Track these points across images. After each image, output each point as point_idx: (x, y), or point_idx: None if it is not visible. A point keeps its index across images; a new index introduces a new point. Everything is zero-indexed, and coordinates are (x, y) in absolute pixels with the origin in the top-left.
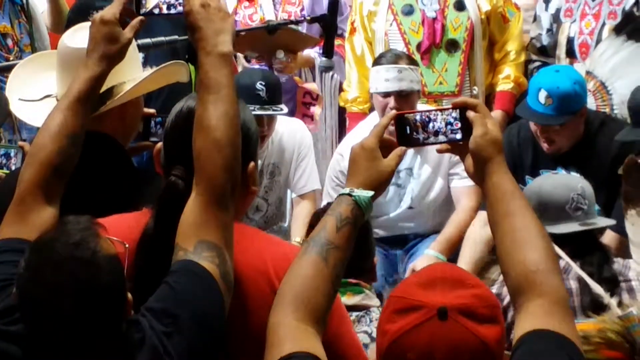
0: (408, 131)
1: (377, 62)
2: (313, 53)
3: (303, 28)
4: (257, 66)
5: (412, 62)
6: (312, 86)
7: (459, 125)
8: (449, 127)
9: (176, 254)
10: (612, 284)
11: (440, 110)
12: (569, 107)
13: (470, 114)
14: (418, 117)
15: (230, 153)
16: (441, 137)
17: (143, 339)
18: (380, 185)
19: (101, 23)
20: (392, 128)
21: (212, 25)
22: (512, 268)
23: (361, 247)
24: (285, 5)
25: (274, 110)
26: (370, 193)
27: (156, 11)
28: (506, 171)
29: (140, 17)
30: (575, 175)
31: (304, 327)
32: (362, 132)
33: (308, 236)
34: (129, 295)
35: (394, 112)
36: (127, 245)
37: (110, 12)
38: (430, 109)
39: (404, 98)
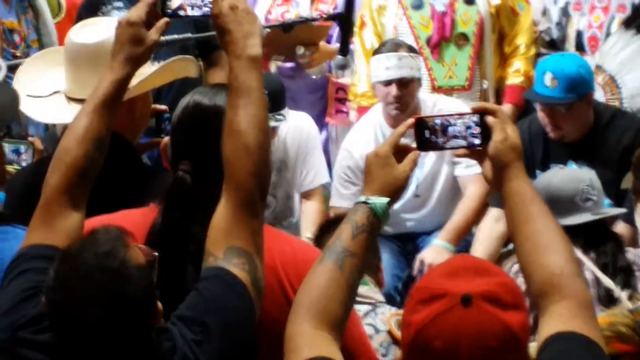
0: (427, 135)
1: (377, 51)
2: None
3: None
4: (289, 65)
5: (411, 50)
6: (346, 81)
7: (478, 130)
8: (468, 131)
9: (206, 260)
10: (628, 273)
11: (460, 114)
12: (574, 89)
13: (490, 119)
14: (438, 121)
15: (260, 158)
16: (460, 141)
17: (174, 348)
18: (396, 191)
19: (127, 25)
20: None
21: (241, 28)
22: (535, 271)
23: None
24: (318, 4)
25: (277, 119)
26: (386, 200)
27: (181, 13)
28: (525, 177)
29: (165, 19)
30: (581, 168)
31: (321, 333)
32: (365, 126)
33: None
34: (159, 304)
35: (411, 120)
36: (156, 254)
37: (135, 13)
38: (450, 113)
39: (405, 86)
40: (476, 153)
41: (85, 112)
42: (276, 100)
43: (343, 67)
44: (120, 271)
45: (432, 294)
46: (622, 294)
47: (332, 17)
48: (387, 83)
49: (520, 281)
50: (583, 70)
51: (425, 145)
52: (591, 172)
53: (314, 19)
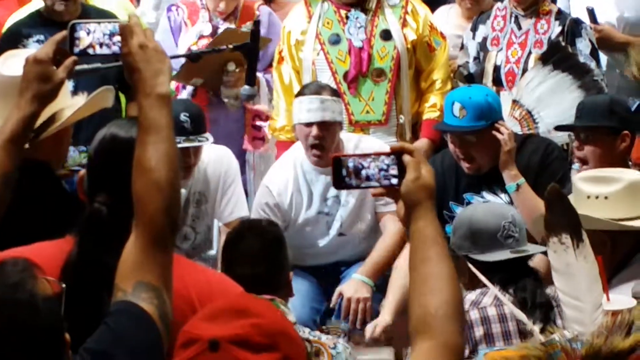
0: (344, 174)
1: (300, 93)
2: (261, 76)
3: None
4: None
5: (334, 93)
6: (261, 107)
7: (395, 169)
8: (382, 173)
9: (115, 294)
10: (547, 308)
11: (377, 154)
12: (482, 117)
13: (406, 158)
14: (351, 164)
15: (170, 194)
16: (374, 183)
17: None
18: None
19: (34, 62)
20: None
21: (150, 67)
22: (414, 310)
23: (275, 261)
24: None
25: (199, 140)
26: None
27: (90, 51)
28: (433, 218)
29: (73, 57)
30: (505, 203)
31: None
32: (285, 162)
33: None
34: (67, 335)
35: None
36: (64, 286)
37: (43, 51)
38: (367, 153)
39: (326, 128)
40: (392, 191)
41: None
42: (198, 123)
43: (250, 97)
44: (30, 303)
45: (188, 338)
46: (535, 328)
47: (238, 48)
48: (308, 124)
49: (474, 312)
50: (491, 98)
51: (341, 183)
52: (514, 209)
53: (220, 50)
